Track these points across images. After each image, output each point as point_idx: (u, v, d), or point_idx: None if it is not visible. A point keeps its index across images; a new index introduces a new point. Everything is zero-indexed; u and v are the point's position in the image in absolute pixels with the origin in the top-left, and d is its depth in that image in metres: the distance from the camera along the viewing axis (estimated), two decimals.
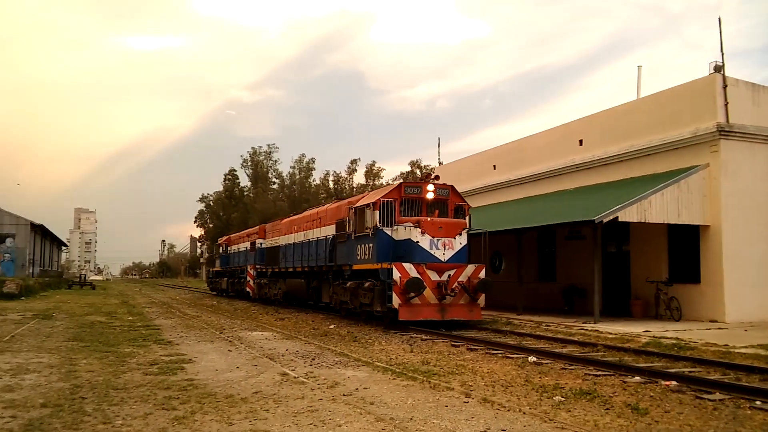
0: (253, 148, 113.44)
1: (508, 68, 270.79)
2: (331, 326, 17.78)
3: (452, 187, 18.22)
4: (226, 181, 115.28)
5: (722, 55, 19.00)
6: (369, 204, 17.77)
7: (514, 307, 21.08)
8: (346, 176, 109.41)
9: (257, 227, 35.26)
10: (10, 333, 14.60)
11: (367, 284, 17.39)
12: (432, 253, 16.36)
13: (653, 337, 13.84)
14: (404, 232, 16.62)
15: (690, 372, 9.67)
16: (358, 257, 18.29)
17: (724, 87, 18.19)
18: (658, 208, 17.59)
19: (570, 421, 6.55)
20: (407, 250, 16.44)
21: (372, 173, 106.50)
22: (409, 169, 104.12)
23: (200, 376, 9.11)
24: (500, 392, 8.16)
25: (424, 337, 14.92)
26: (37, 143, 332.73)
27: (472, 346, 13.00)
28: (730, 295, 17.52)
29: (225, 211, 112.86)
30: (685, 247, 19.06)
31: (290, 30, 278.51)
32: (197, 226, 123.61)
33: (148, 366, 9.94)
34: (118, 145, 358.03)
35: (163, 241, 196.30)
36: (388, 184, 20.90)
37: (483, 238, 17.57)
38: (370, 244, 17.49)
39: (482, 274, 16.79)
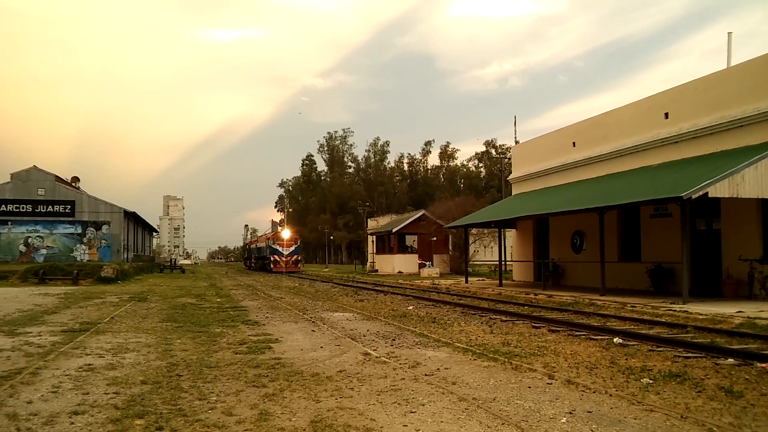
0: (329, 132, 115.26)
1: (585, 42, 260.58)
2: (410, 308, 17.97)
3: (295, 230, 67.55)
4: (304, 167, 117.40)
5: None
6: (269, 237, 64.70)
7: (596, 288, 20.57)
8: (420, 158, 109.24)
9: (258, 237, 78.29)
10: (110, 315, 15.59)
11: (268, 261, 59.95)
12: (283, 252, 58.18)
13: (747, 317, 13.19)
14: (275, 246, 58.98)
15: None
16: (268, 252, 60.27)
17: None
18: (752, 182, 16.59)
19: (659, 404, 6.36)
20: (277, 251, 58.56)
21: (446, 154, 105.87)
22: (483, 149, 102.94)
23: (287, 355, 9.45)
24: (584, 374, 8.02)
25: (503, 318, 14.87)
26: (129, 135, 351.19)
27: (553, 327, 12.84)
28: None
29: (303, 196, 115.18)
30: None
31: (361, 13, 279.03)
32: (277, 211, 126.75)
33: (237, 345, 10.39)
34: (203, 134, 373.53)
35: (246, 225, 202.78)
36: (288, 225, 73.26)
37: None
38: (269, 249, 60.55)
39: (299, 257, 60.82)
